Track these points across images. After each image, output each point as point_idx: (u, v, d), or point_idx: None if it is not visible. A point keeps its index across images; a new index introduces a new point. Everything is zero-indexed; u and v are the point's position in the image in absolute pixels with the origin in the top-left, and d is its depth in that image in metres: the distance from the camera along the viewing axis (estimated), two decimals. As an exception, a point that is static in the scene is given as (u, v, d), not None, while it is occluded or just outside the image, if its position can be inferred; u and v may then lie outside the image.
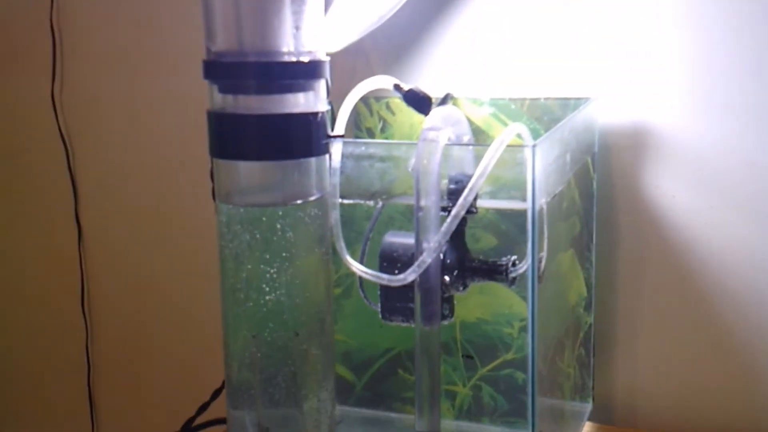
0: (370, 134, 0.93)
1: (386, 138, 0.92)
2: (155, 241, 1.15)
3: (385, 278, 0.61)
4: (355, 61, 0.98)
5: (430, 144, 0.62)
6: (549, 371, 0.75)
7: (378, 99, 0.92)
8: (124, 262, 1.19)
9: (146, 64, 1.10)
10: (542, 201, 0.65)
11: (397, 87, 0.66)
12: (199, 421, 0.88)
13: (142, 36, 1.10)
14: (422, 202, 0.61)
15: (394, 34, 0.95)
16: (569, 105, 0.86)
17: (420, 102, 0.66)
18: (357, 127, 0.93)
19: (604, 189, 0.89)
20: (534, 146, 0.62)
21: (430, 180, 0.61)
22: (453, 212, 0.58)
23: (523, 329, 0.80)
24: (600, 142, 0.88)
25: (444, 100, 0.88)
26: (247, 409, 0.64)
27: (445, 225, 0.58)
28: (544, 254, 0.67)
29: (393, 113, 0.91)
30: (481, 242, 0.83)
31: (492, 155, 0.57)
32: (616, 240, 0.91)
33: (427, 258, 0.59)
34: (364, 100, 0.92)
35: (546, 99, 0.87)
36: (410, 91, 0.66)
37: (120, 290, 1.20)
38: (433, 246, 0.59)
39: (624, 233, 0.91)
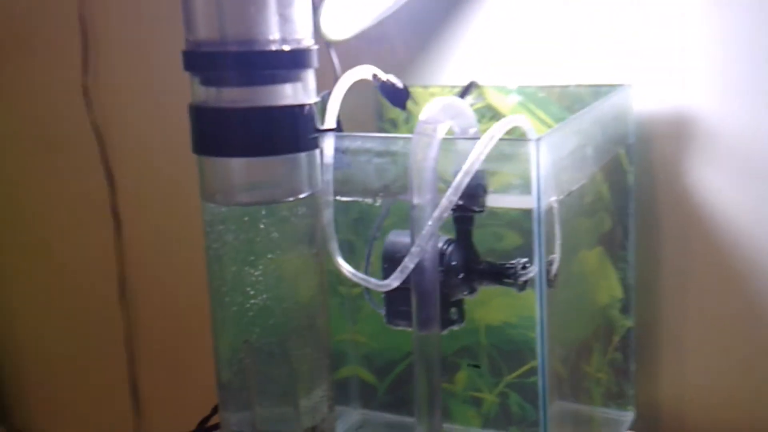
0: (394, 125, 0.88)
1: (411, 129, 0.88)
2: (192, 229, 1.13)
3: (372, 282, 0.57)
4: (378, 49, 0.93)
5: (425, 138, 0.57)
6: (571, 376, 0.70)
7: (402, 88, 0.88)
8: (161, 251, 1.18)
9: (177, 53, 1.08)
10: (552, 199, 0.60)
11: (375, 77, 0.62)
12: (215, 420, 0.86)
13: (171, 24, 1.07)
14: (416, 200, 0.57)
15: (418, 19, 0.90)
16: (601, 92, 0.79)
17: (395, 94, 0.61)
18: (380, 117, 0.89)
19: (642, 183, 0.83)
20: (538, 140, 0.56)
21: (424, 177, 0.57)
22: (435, 213, 0.53)
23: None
24: (637, 132, 0.81)
25: (467, 89, 0.83)
26: (240, 412, 0.61)
27: (427, 227, 0.54)
28: (556, 256, 0.61)
29: (416, 103, 0.86)
30: (505, 241, 0.78)
31: (481, 150, 0.52)
32: (657, 237, 0.84)
33: (409, 263, 0.54)
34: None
35: (577, 86, 0.81)
36: (387, 81, 0.61)
37: (159, 280, 1.19)
38: (416, 250, 0.54)
39: (666, 230, 0.84)
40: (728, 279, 0.82)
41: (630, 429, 0.85)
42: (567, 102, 0.81)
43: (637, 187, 0.82)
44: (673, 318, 0.85)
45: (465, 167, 0.53)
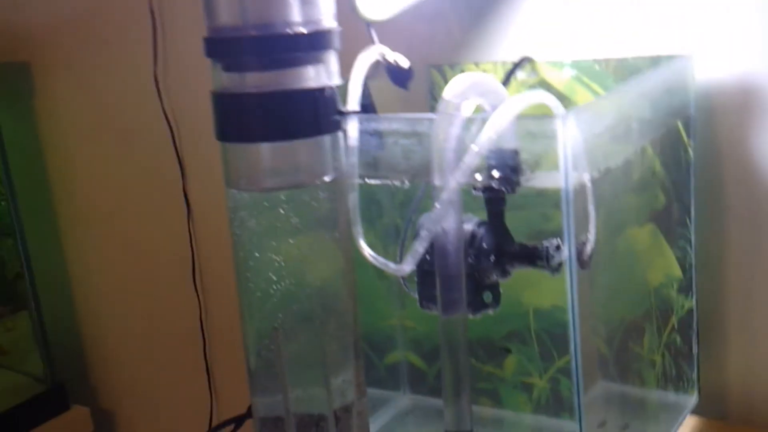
0: (446, 104, 0.86)
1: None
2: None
3: (391, 267, 0.56)
4: (433, 28, 0.91)
5: (446, 117, 0.55)
6: (618, 357, 0.67)
7: (453, 66, 0.86)
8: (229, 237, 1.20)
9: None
10: (586, 177, 0.57)
11: (382, 56, 0.60)
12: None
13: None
14: (437, 182, 0.55)
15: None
16: (660, 63, 0.75)
17: (398, 73, 0.59)
18: (432, 96, 0.87)
19: (704, 158, 0.78)
20: (565, 116, 0.54)
21: (446, 157, 0.55)
22: (444, 195, 0.52)
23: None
24: (698, 104, 0.77)
25: (519, 64, 0.80)
26: (272, 396, 0.62)
27: (436, 210, 0.52)
28: (590, 235, 0.59)
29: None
30: (553, 221, 0.75)
31: (493, 128, 0.50)
32: (722, 215, 0.79)
33: (419, 248, 0.53)
34: (439, 68, 0.86)
35: (635, 58, 0.77)
36: (393, 62, 0.59)
37: (229, 264, 1.21)
38: (425, 234, 0.53)
39: (732, 207, 0.79)
40: (800, 259, 0.77)
41: (694, 413, 0.81)
42: (624, 75, 0.77)
43: (698, 161, 0.78)
44: (739, 299, 0.81)
45: (474, 147, 0.51)
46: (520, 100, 0.53)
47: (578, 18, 0.83)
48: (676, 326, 0.77)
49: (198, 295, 1.24)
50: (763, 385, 0.81)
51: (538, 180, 0.61)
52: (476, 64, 0.85)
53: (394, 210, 0.80)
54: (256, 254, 0.58)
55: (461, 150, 0.56)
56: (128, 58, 1.21)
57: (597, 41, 0.82)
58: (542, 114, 0.58)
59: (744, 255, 0.79)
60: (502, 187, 0.59)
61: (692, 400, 0.81)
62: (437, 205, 0.52)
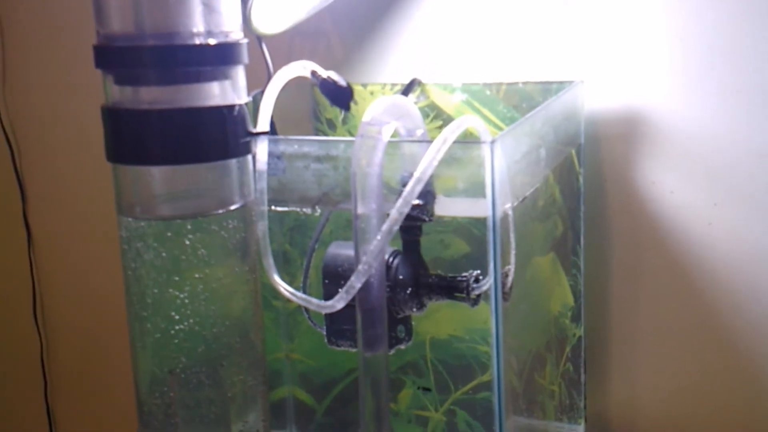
0: (331, 126, 0.83)
1: (349, 130, 0.82)
2: (110, 243, 1.06)
3: (314, 303, 0.51)
4: (315, 43, 0.87)
5: (369, 141, 0.51)
6: (526, 389, 0.65)
7: (338, 86, 0.82)
8: (77, 267, 1.09)
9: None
10: (507, 206, 0.55)
11: (314, 74, 0.56)
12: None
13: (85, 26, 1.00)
14: (360, 210, 0.51)
15: (357, 13, 0.85)
16: (551, 90, 0.75)
17: (337, 93, 0.55)
18: (316, 118, 0.83)
19: (592, 185, 0.79)
20: (493, 143, 0.51)
21: (369, 184, 0.51)
22: (385, 227, 0.48)
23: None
24: (587, 132, 0.77)
25: (409, 87, 0.78)
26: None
27: (376, 242, 0.48)
28: (511, 267, 0.57)
29: (356, 102, 0.80)
30: (451, 249, 0.73)
31: (433, 155, 0.47)
32: (607, 242, 0.80)
33: (356, 283, 0.49)
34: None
35: (525, 83, 0.76)
36: (327, 79, 0.55)
37: (77, 297, 1.11)
38: (363, 269, 0.49)
39: (617, 234, 0.80)
40: (681, 285, 0.78)
41: (580, 442, 0.81)
42: (514, 100, 0.77)
43: (586, 189, 0.78)
44: (623, 327, 0.81)
45: (416, 174, 0.48)
46: (458, 125, 0.50)
47: (468, 41, 0.82)
48: (569, 355, 0.76)
49: (39, 332, 1.12)
50: (644, 414, 0.83)
51: (441, 209, 0.58)
52: (363, 86, 0.82)
53: (283, 236, 0.75)
54: (155, 290, 0.51)
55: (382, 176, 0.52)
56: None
57: (487, 64, 0.81)
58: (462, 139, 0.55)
59: (627, 283, 0.80)
60: (421, 215, 0.56)
61: (581, 429, 0.81)
62: (378, 237, 0.48)
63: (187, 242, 0.51)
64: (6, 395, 1.19)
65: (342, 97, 0.56)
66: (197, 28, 0.51)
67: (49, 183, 1.08)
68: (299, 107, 0.83)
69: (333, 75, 0.56)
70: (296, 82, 0.63)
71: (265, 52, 0.66)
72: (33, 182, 1.09)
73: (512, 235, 0.56)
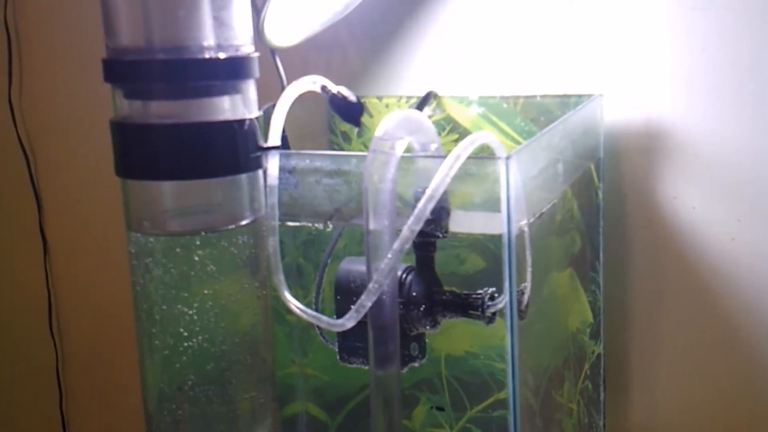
0: (346, 139, 0.82)
1: (364, 143, 0.81)
2: (126, 255, 1.06)
3: (324, 321, 0.50)
4: (330, 56, 0.87)
5: (382, 156, 0.50)
6: (543, 407, 0.64)
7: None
8: (93, 278, 1.09)
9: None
10: (523, 222, 0.54)
11: (324, 89, 0.55)
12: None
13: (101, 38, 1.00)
14: (372, 226, 0.50)
15: (373, 25, 0.84)
16: (569, 103, 0.74)
17: (347, 108, 0.54)
18: (331, 130, 0.82)
19: (612, 200, 0.77)
20: (508, 159, 0.50)
21: (381, 200, 0.50)
22: (396, 246, 0.47)
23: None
24: (606, 146, 0.76)
25: (425, 100, 0.77)
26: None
27: (387, 260, 0.47)
28: (527, 284, 0.55)
29: (371, 115, 0.80)
30: (466, 264, 0.72)
31: (446, 172, 0.46)
32: (627, 258, 0.79)
33: (366, 302, 0.48)
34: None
35: (543, 97, 0.75)
36: (337, 94, 0.54)
37: (92, 307, 1.11)
38: (374, 287, 0.48)
39: (637, 250, 0.78)
40: (703, 303, 0.77)
41: (601, 461, 0.80)
42: (532, 114, 0.75)
43: (606, 204, 0.76)
44: (643, 344, 0.80)
45: (429, 191, 0.47)
46: (471, 141, 0.48)
47: (485, 53, 0.81)
48: (588, 373, 0.75)
49: (54, 342, 1.12)
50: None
51: (456, 225, 0.57)
52: (379, 98, 0.81)
53: (296, 250, 0.75)
54: (164, 307, 0.51)
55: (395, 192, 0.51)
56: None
57: (504, 78, 0.80)
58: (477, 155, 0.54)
59: (647, 299, 0.79)
60: (435, 231, 0.54)
61: (599, 447, 0.79)
62: (389, 255, 0.47)
63: (197, 258, 0.50)
64: (22, 405, 1.19)
65: (352, 112, 0.55)
66: (207, 42, 0.50)
67: (65, 194, 1.08)
68: (314, 120, 0.82)
69: (343, 90, 0.55)
70: (311, 95, 0.63)
71: (278, 64, 0.65)
72: (49, 193, 1.09)
73: (528, 252, 0.55)
